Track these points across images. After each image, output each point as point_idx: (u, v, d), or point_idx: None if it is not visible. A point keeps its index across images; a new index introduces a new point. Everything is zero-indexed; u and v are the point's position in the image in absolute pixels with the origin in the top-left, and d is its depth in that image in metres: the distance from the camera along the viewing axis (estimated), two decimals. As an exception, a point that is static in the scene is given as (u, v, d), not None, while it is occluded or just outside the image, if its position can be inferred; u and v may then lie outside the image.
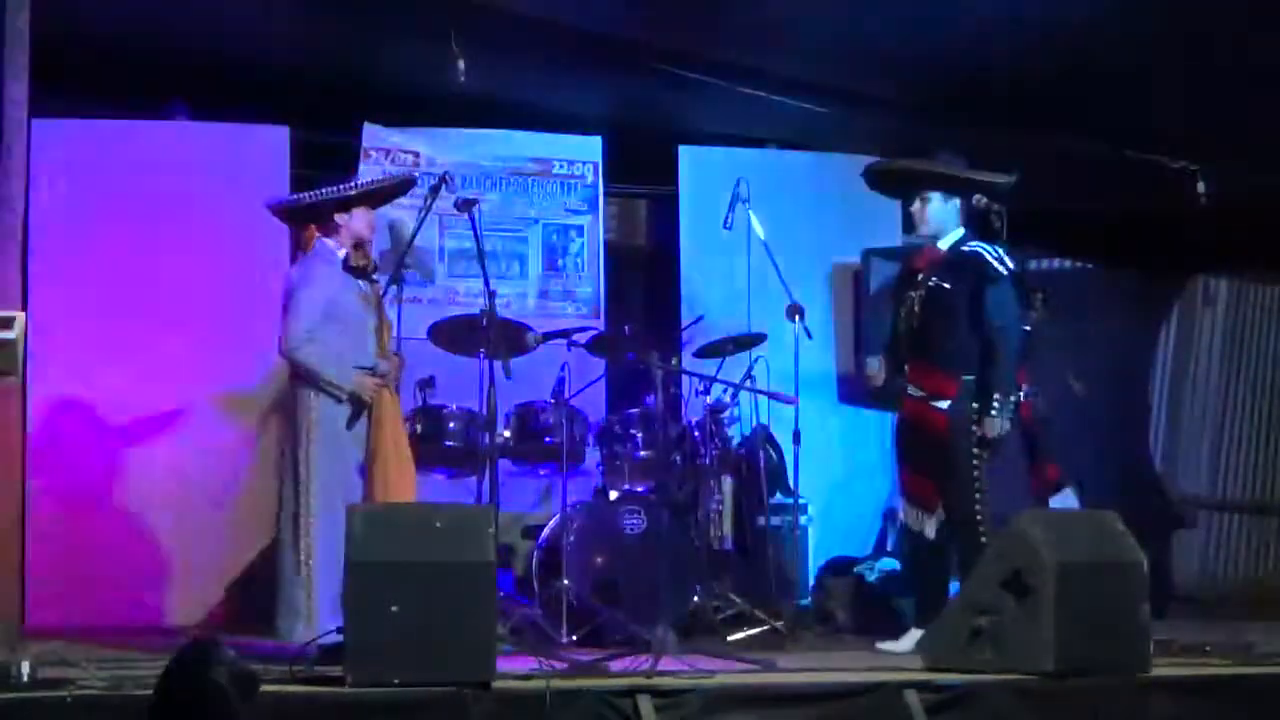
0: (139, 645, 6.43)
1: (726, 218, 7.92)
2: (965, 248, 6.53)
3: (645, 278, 9.43)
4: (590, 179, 8.90)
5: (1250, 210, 8.77)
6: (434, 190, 6.88)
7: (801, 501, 8.06)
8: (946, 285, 6.48)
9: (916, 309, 6.55)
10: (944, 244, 6.56)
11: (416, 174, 6.53)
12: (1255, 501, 10.28)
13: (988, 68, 7.59)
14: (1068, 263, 10.40)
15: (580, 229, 8.89)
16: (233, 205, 8.19)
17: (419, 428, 7.16)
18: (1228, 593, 10.06)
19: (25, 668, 4.81)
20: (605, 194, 8.98)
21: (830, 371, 9.09)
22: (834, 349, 9.10)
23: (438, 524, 5.15)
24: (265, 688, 4.67)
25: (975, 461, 6.45)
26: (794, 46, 7.70)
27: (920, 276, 6.58)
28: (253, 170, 8.25)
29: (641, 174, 9.17)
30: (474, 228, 6.38)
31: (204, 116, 8.39)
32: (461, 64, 7.19)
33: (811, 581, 8.15)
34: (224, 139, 8.29)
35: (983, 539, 6.33)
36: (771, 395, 7.58)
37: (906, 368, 6.57)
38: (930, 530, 6.52)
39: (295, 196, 6.25)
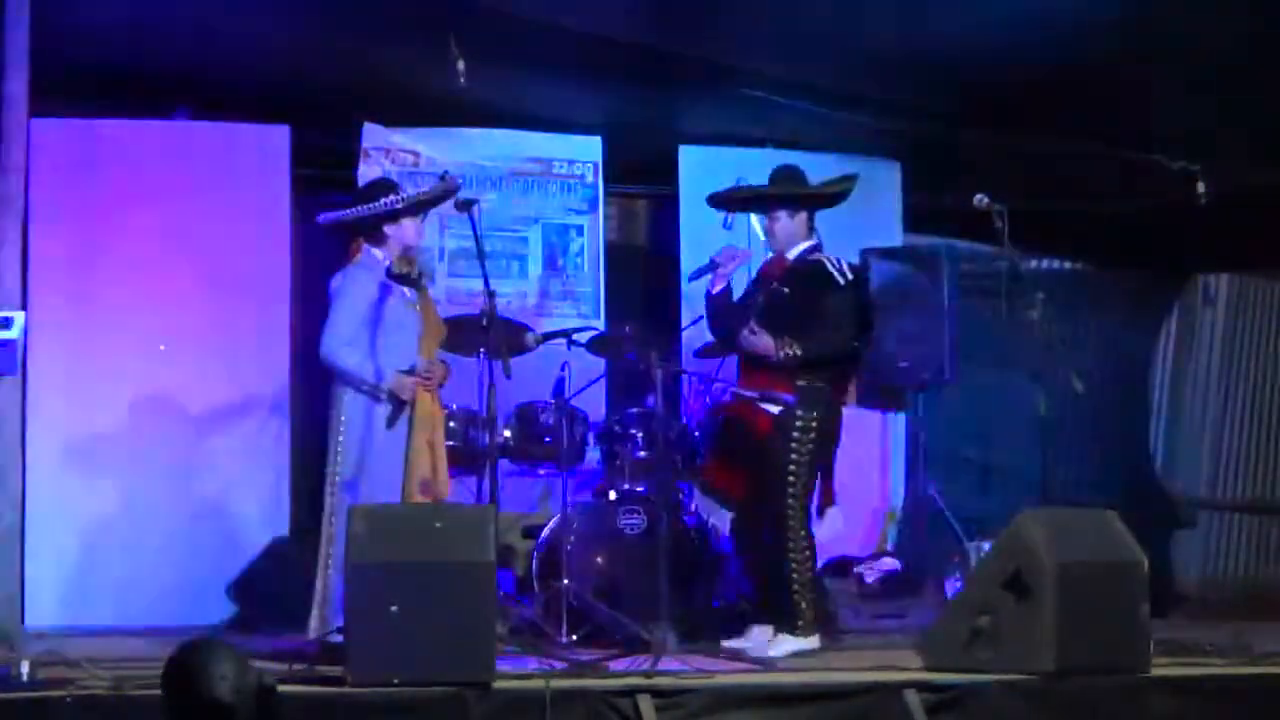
0: (139, 645, 6.42)
1: (726, 218, 7.91)
2: (810, 256, 6.73)
3: (645, 278, 9.42)
4: (590, 179, 8.89)
5: (1250, 209, 8.78)
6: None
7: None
8: (786, 291, 6.66)
9: (758, 313, 6.67)
10: (792, 254, 6.75)
11: (460, 182, 6.63)
12: (1255, 501, 10.28)
13: (988, 68, 7.59)
14: (1068, 263, 10.40)
15: (580, 229, 8.88)
16: (233, 205, 8.20)
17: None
18: (1228, 593, 10.06)
19: (25, 668, 4.81)
20: (605, 194, 8.97)
21: (830, 371, 9.08)
22: (834, 349, 9.10)
23: (438, 524, 5.16)
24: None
25: (793, 464, 6.54)
26: (795, 48, 7.71)
27: (765, 283, 6.77)
28: (253, 170, 8.26)
29: (641, 174, 9.17)
30: (474, 228, 6.38)
31: (204, 116, 8.39)
32: (461, 65, 7.19)
33: (811, 581, 8.15)
34: (224, 139, 8.29)
35: (789, 540, 6.49)
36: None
37: (740, 368, 6.71)
38: (720, 522, 6.63)
39: (348, 213, 6.33)
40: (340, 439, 6.13)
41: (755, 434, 6.58)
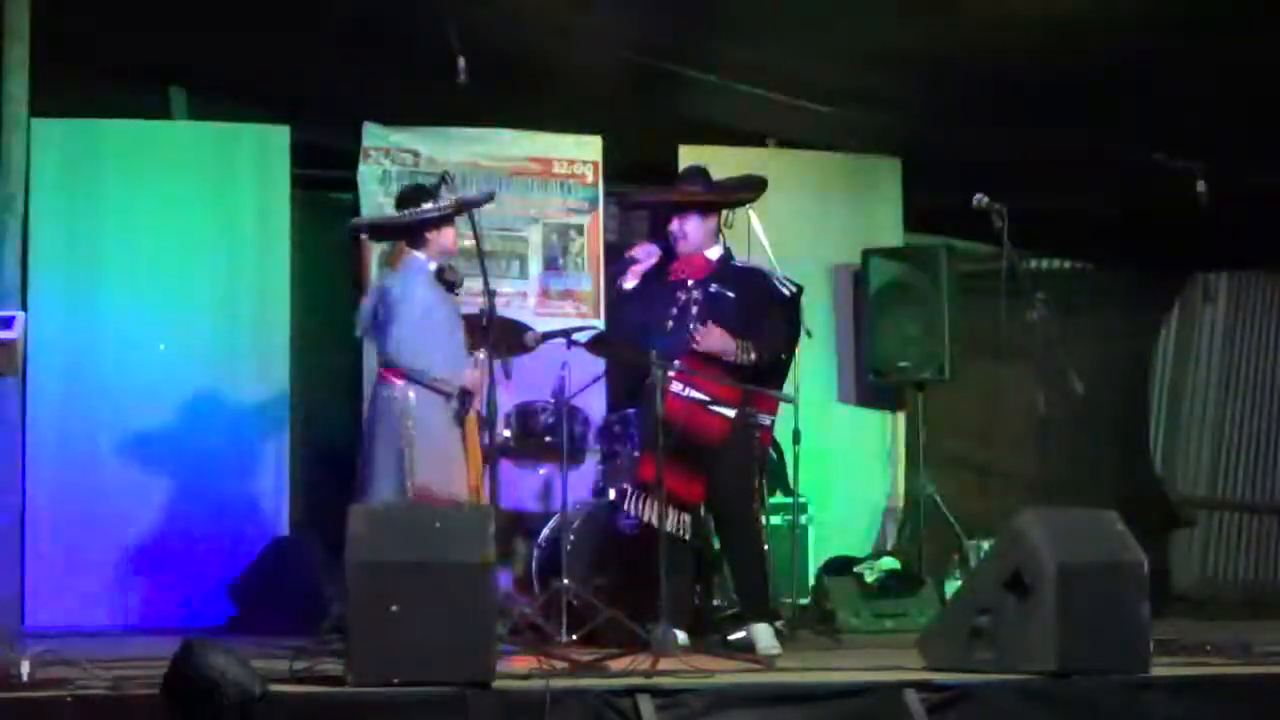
0: (139, 645, 6.42)
1: (727, 217, 7.90)
2: (744, 263, 6.80)
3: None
4: (590, 179, 8.89)
5: (1250, 209, 8.78)
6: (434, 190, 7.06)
7: (801, 501, 8.06)
8: (730, 294, 6.61)
9: (694, 309, 6.61)
10: (711, 255, 6.72)
11: (493, 191, 6.80)
12: (1255, 501, 10.28)
13: (988, 68, 7.60)
14: (1068, 263, 10.40)
15: (580, 229, 8.88)
16: (233, 205, 8.20)
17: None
18: (1228, 593, 10.06)
19: (25, 668, 4.81)
20: (605, 194, 8.97)
21: (830, 371, 9.09)
22: (834, 349, 9.11)
23: (438, 524, 5.15)
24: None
25: (755, 468, 6.66)
26: (796, 46, 7.71)
27: (690, 282, 6.67)
28: (253, 170, 8.26)
29: (641, 174, 9.17)
30: (474, 228, 6.41)
31: (204, 116, 8.40)
32: (462, 63, 7.19)
33: (811, 581, 8.15)
34: (224, 139, 8.29)
35: (763, 543, 6.66)
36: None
37: (677, 368, 6.55)
38: (685, 530, 6.53)
39: (389, 217, 6.59)
40: (411, 434, 6.22)
41: (709, 436, 6.52)
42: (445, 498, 6.16)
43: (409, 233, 6.47)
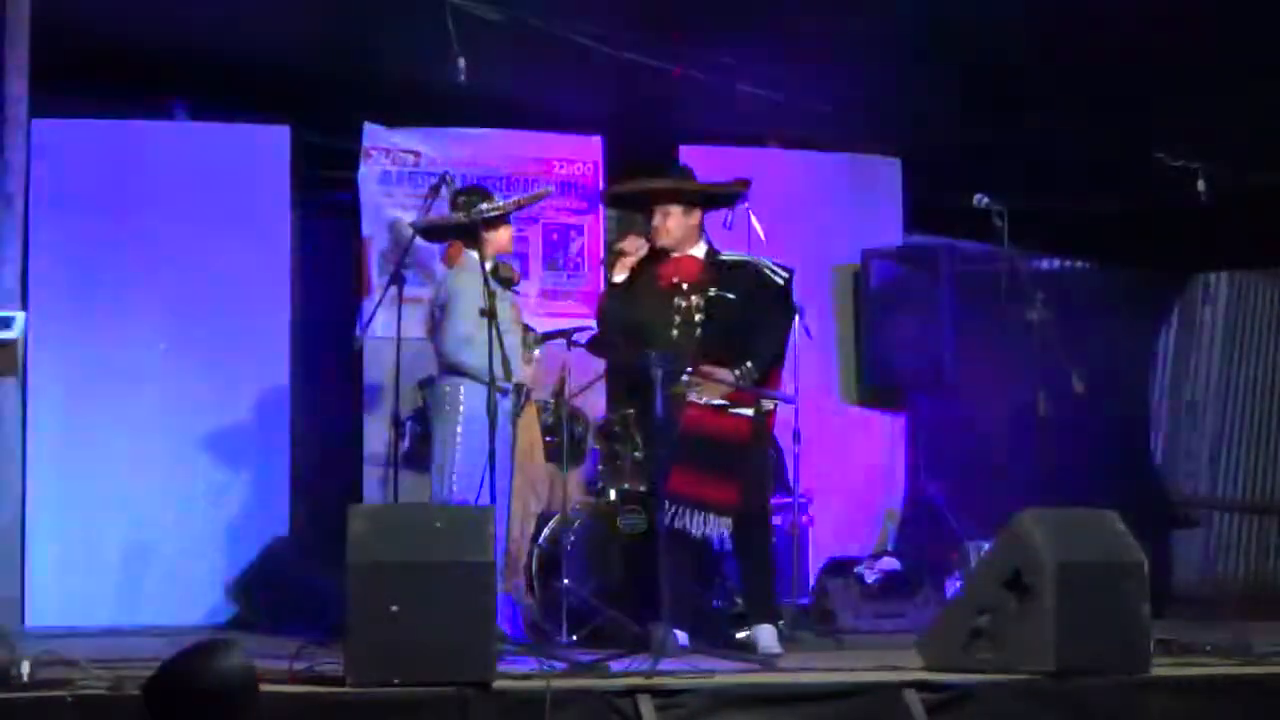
0: (139, 645, 6.42)
1: (726, 217, 7.91)
2: (734, 257, 6.73)
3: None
4: (590, 179, 8.89)
5: (1250, 208, 8.78)
6: (434, 190, 7.11)
7: (801, 501, 8.07)
8: (731, 296, 6.56)
9: (697, 317, 6.57)
10: (697, 253, 6.65)
11: (552, 188, 6.89)
12: (1255, 501, 10.28)
13: (987, 67, 7.60)
14: (1068, 263, 10.41)
15: (580, 229, 8.88)
16: (233, 205, 8.20)
17: (420, 428, 7.17)
18: (1228, 593, 10.06)
19: (25, 668, 4.81)
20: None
21: (830, 371, 9.09)
22: (834, 349, 9.11)
23: (438, 524, 5.15)
24: (265, 687, 4.66)
25: (767, 466, 6.82)
26: (795, 45, 7.72)
27: (686, 286, 6.59)
28: (253, 170, 8.26)
29: (642, 174, 9.15)
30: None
31: (204, 116, 8.40)
32: (462, 62, 7.20)
33: (812, 581, 8.15)
34: (224, 139, 8.29)
35: (773, 538, 6.74)
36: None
37: (691, 374, 6.47)
38: (724, 533, 6.51)
39: (444, 218, 6.76)
40: (458, 429, 6.37)
41: (733, 439, 6.49)
42: (473, 498, 6.23)
43: (465, 233, 6.56)
